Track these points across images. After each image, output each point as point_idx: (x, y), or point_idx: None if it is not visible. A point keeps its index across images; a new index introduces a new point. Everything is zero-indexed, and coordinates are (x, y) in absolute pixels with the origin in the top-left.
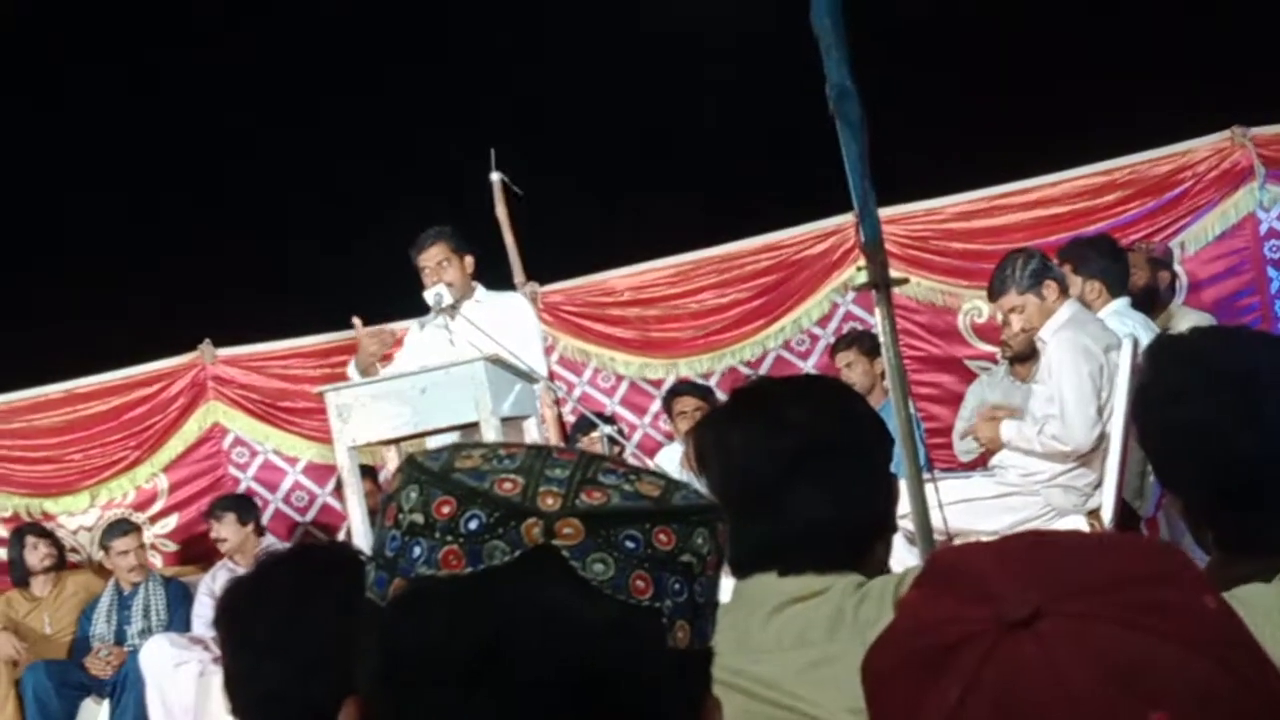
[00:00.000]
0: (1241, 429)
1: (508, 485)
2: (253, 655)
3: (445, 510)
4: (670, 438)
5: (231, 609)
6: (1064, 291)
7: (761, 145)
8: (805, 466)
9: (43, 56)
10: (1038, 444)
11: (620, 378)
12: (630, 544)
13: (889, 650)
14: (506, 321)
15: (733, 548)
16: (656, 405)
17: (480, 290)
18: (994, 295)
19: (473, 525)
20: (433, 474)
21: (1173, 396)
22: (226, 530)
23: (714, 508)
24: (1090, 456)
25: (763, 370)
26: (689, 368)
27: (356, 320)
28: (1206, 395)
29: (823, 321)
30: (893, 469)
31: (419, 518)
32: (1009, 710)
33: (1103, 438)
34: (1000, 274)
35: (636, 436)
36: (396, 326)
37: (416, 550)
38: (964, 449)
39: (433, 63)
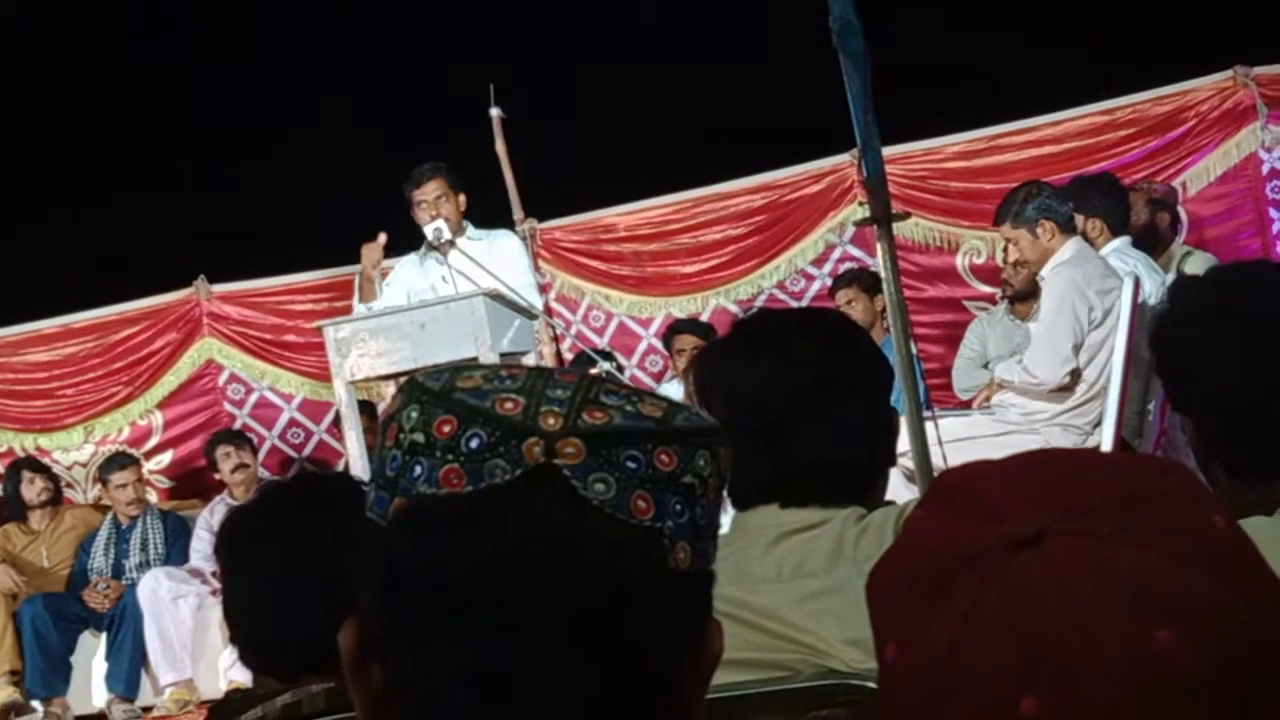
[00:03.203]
0: (1259, 347)
1: (509, 405)
2: (253, 583)
3: (446, 429)
4: (658, 378)
5: (233, 537)
6: (1065, 231)
7: (762, 82)
8: (811, 400)
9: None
10: (1016, 376)
11: (610, 316)
12: (631, 464)
13: (894, 569)
14: (501, 258)
15: (734, 479)
16: (644, 345)
17: (471, 228)
18: (996, 221)
19: (474, 444)
20: (434, 393)
21: (1191, 318)
22: (248, 456)
23: (716, 430)
24: (1089, 397)
25: (755, 308)
26: (680, 307)
27: (383, 236)
28: (1225, 316)
29: (818, 262)
30: (893, 404)
31: (420, 437)
32: (1014, 630)
33: (1074, 376)
34: (1005, 202)
35: (624, 377)
36: (387, 263)
37: (417, 469)
38: (963, 388)
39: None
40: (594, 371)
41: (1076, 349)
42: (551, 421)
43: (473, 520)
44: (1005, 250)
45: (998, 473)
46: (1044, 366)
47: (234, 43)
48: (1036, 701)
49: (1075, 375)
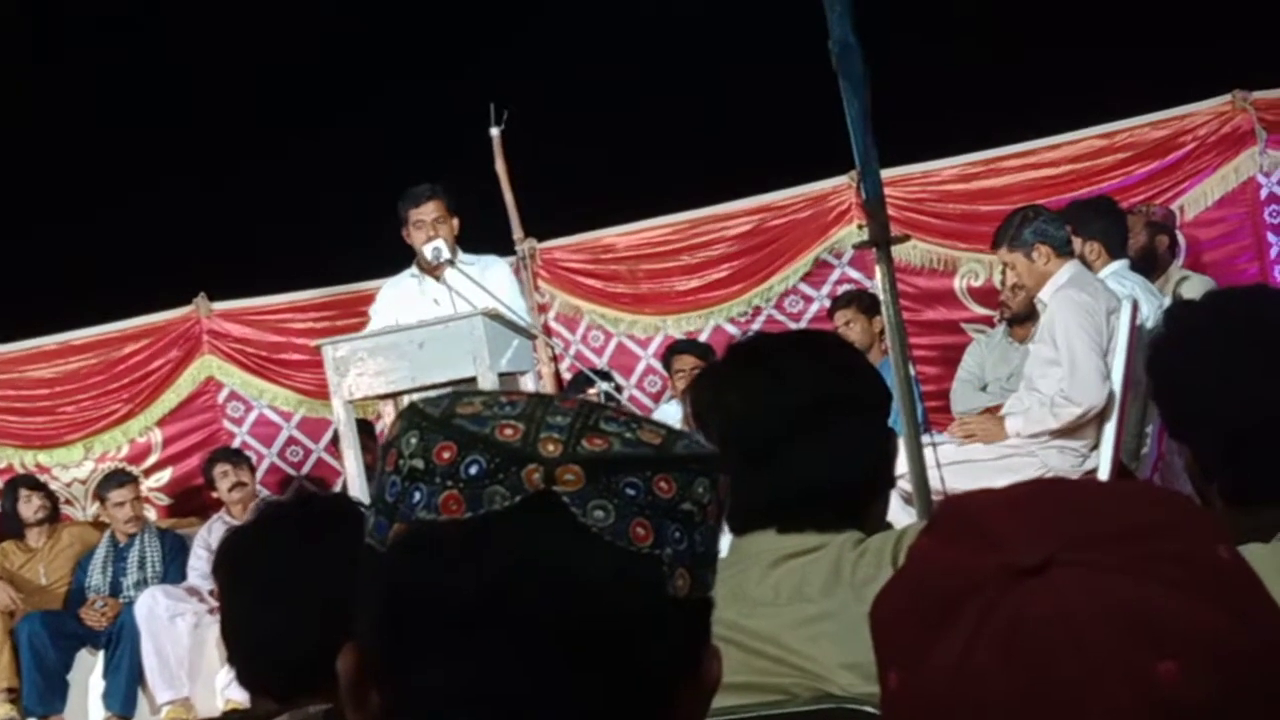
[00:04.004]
0: (1256, 372)
1: (509, 431)
2: (251, 602)
3: (446, 455)
4: (657, 399)
5: (232, 556)
6: (1061, 254)
7: (761, 105)
8: (805, 423)
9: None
10: (1053, 419)
11: (609, 336)
12: (631, 491)
13: (897, 597)
14: (492, 286)
15: (731, 504)
16: (643, 365)
17: (461, 253)
18: (993, 245)
19: (473, 470)
20: (433, 420)
21: (1187, 343)
22: (245, 475)
23: (715, 457)
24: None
25: (753, 330)
26: (678, 326)
27: None
28: (1221, 341)
29: (817, 283)
30: (891, 425)
31: (419, 463)
32: (1017, 659)
33: (1111, 395)
34: (1001, 226)
35: (624, 397)
36: (373, 284)
37: (417, 495)
38: (961, 410)
39: (434, 18)
40: (592, 392)
41: (1106, 363)
42: (551, 448)
43: (472, 547)
44: (1003, 274)
45: (1002, 501)
46: (1086, 391)
47: (234, 59)
48: None
49: (1111, 395)
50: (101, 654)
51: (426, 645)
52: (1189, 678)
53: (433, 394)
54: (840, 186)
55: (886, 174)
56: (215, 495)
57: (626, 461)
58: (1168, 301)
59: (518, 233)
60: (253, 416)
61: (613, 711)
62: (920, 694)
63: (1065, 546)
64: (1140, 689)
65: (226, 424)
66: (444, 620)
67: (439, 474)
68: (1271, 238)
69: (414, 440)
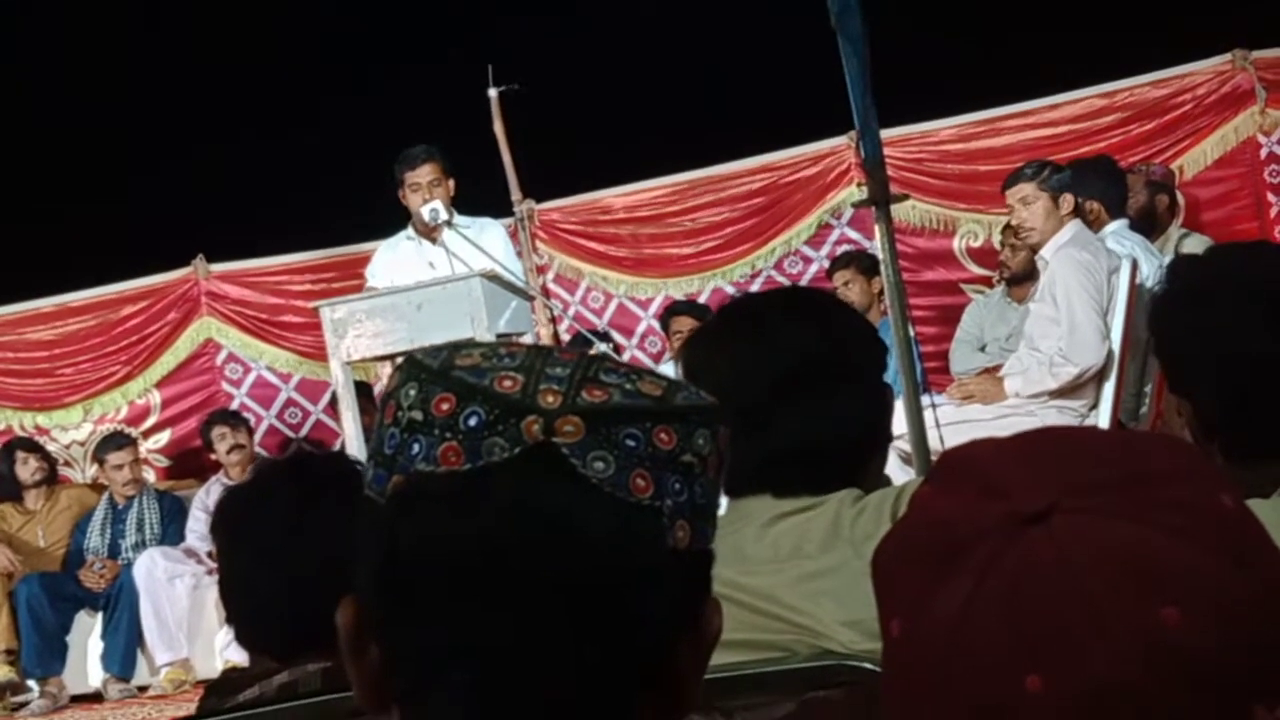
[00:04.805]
0: (1257, 328)
1: (508, 383)
2: (249, 562)
3: (444, 407)
4: (657, 359)
5: (230, 515)
6: (1076, 212)
7: (761, 65)
8: (797, 384)
9: None
10: (1051, 380)
11: (610, 297)
12: (631, 442)
13: (899, 545)
14: (489, 244)
15: (727, 467)
16: (643, 326)
17: (457, 215)
18: (1009, 184)
19: (472, 422)
20: (432, 371)
21: (1196, 299)
22: (243, 437)
23: (715, 408)
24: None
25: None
26: (678, 287)
27: None
28: (1231, 298)
29: (816, 244)
30: (889, 384)
31: (418, 415)
32: (1019, 607)
33: (1110, 355)
34: (1027, 166)
35: (624, 357)
36: (368, 246)
37: (415, 447)
38: (959, 370)
39: None
40: (591, 353)
41: (1106, 322)
42: (550, 399)
43: (471, 498)
44: (1011, 214)
45: (1005, 449)
46: (1084, 351)
47: (232, 22)
48: (1042, 679)
49: (1110, 354)
50: (100, 616)
51: (425, 598)
52: (1191, 624)
53: None
54: (839, 147)
55: (885, 134)
56: (214, 457)
57: (626, 412)
58: (1167, 261)
59: (516, 194)
60: (251, 378)
61: (612, 664)
62: (923, 643)
63: (1068, 493)
64: (1143, 635)
65: (225, 386)
66: (443, 572)
67: (438, 425)
68: (1271, 197)
69: (413, 392)
